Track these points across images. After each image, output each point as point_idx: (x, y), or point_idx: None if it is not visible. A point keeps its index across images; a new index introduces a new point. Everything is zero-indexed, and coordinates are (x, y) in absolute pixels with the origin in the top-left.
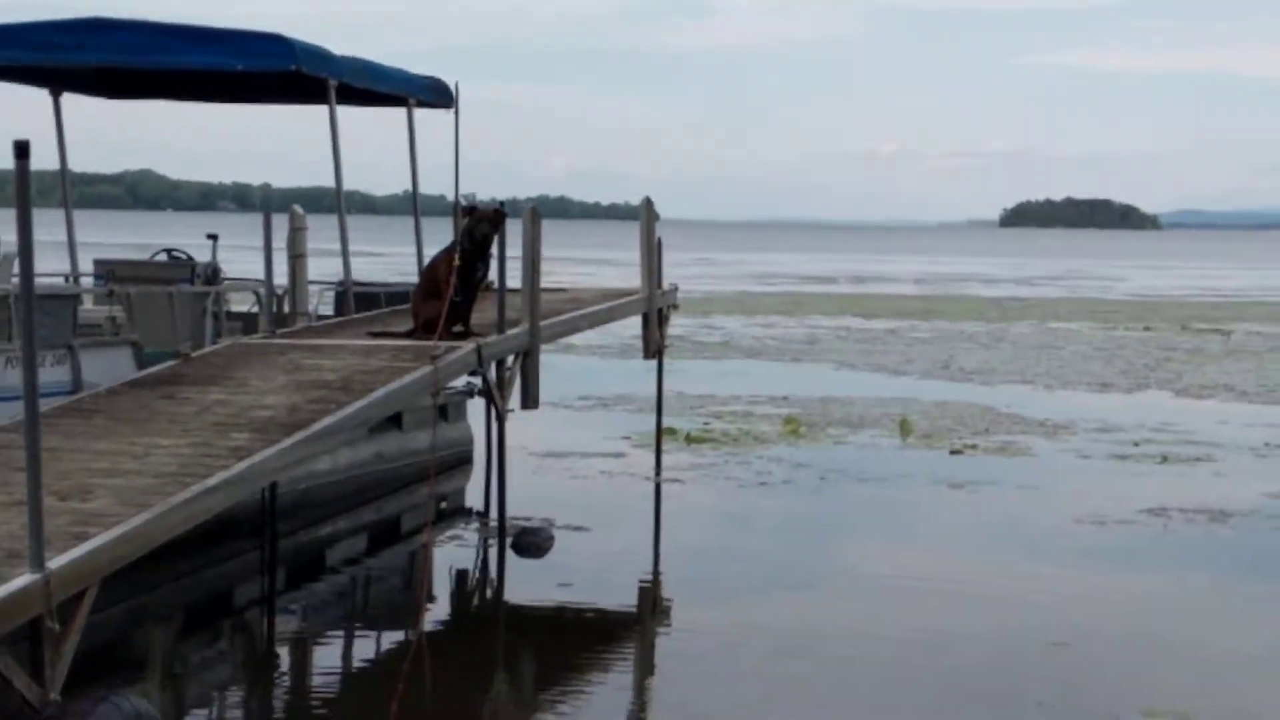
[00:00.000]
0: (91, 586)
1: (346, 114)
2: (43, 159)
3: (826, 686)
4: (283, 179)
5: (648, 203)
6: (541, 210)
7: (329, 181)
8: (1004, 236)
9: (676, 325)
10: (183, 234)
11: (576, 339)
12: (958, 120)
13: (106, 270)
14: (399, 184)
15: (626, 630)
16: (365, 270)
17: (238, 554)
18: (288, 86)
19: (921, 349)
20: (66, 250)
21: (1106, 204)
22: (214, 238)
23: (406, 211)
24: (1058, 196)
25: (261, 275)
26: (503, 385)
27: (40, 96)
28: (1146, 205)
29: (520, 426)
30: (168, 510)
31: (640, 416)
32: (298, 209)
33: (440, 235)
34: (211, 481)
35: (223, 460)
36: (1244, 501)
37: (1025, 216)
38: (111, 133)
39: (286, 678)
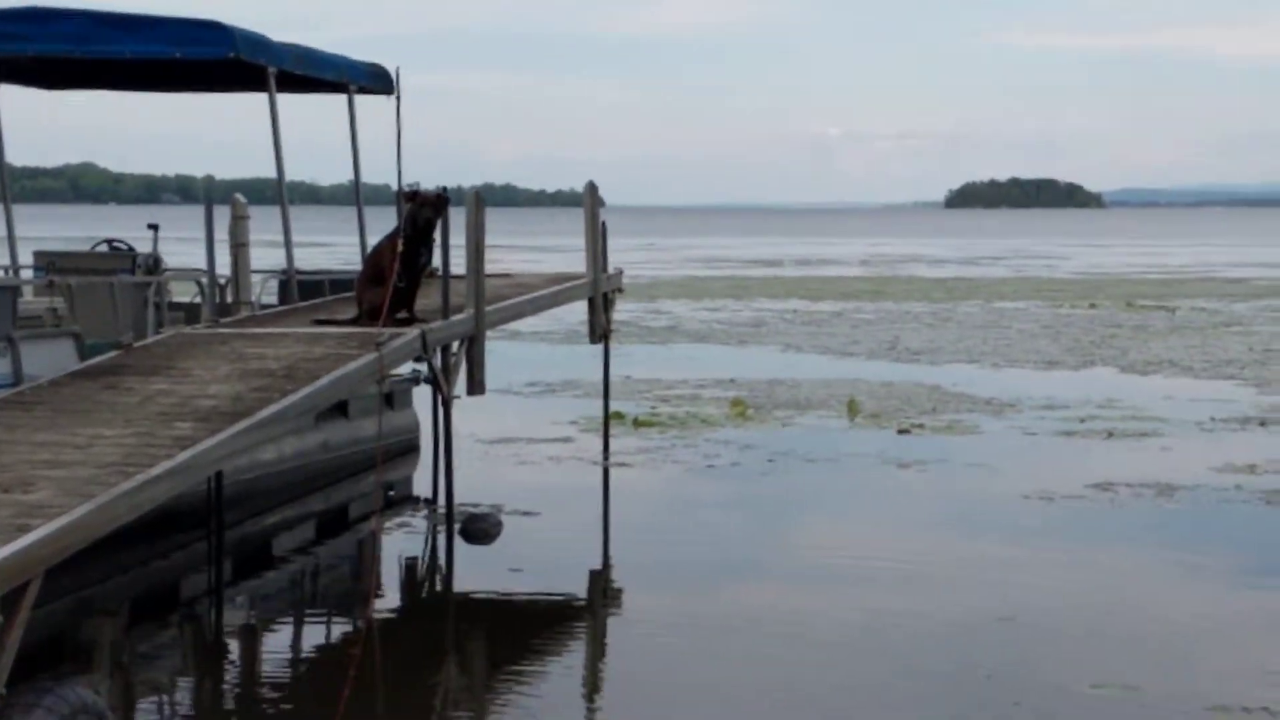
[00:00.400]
0: (35, 579)
1: (291, 103)
2: None
3: (777, 668)
4: (227, 170)
5: (591, 187)
6: (488, 198)
7: (274, 172)
8: (949, 217)
9: (623, 310)
10: (126, 226)
11: (524, 325)
12: (903, 101)
13: (47, 262)
14: (345, 173)
15: (577, 615)
16: (313, 259)
17: (185, 545)
18: (227, 74)
19: (867, 330)
20: (5, 243)
21: (1051, 183)
22: (155, 228)
23: (352, 201)
24: (1003, 177)
25: (204, 265)
26: (448, 371)
27: None
28: (1091, 184)
29: (468, 413)
30: (111, 501)
31: (587, 401)
32: (239, 198)
33: (385, 223)
34: (155, 471)
35: (166, 450)
36: (1190, 476)
37: (971, 197)
38: (52, 126)
39: (235, 668)
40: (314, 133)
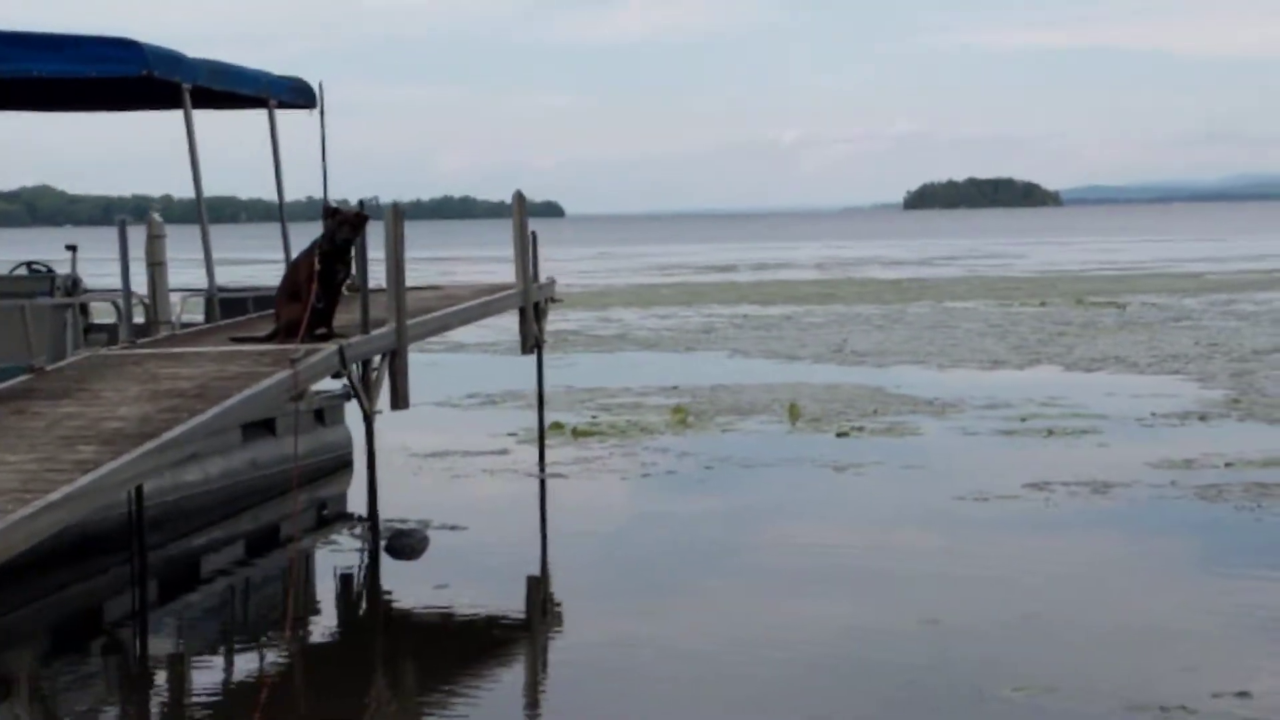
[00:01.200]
0: None
1: (245, 119)
2: None
3: (708, 679)
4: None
5: (519, 196)
6: (446, 210)
7: (232, 190)
8: (907, 218)
9: (572, 319)
10: (84, 248)
11: (468, 337)
12: (859, 105)
13: None
14: (300, 190)
15: (508, 630)
16: (263, 277)
17: (108, 569)
18: (140, 92)
19: (816, 333)
20: None
21: (1009, 183)
22: (73, 249)
23: (308, 217)
24: (960, 177)
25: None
26: (369, 386)
27: None
28: (1049, 182)
29: (403, 427)
30: (7, 527)
31: (528, 413)
32: (155, 216)
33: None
34: (54, 496)
35: (67, 474)
36: (1126, 472)
37: (929, 198)
38: (7, 149)
39: (161, 693)
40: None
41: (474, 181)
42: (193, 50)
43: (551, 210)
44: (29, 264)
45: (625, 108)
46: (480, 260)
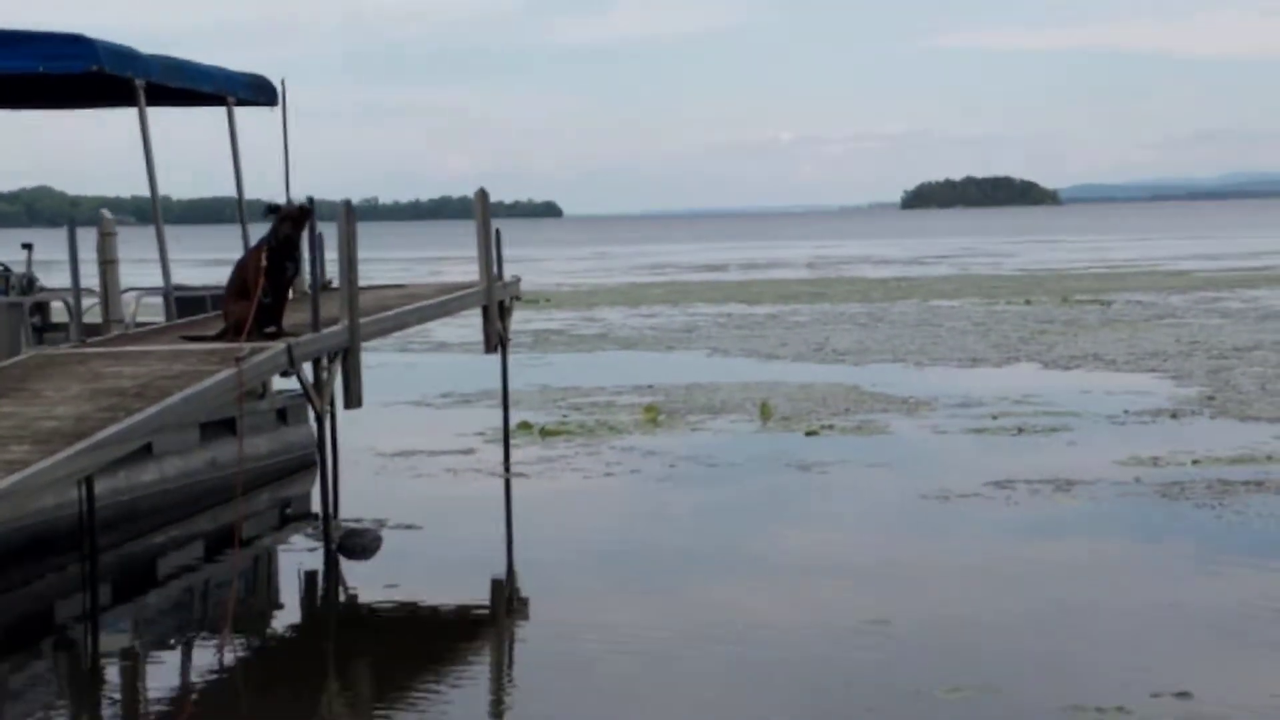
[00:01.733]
0: None
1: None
2: None
3: (664, 673)
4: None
5: (482, 194)
6: (446, 210)
7: (229, 191)
8: (905, 218)
9: (557, 319)
10: (81, 249)
11: (451, 336)
12: (856, 105)
13: None
14: (299, 191)
15: (465, 626)
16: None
17: (58, 569)
18: (93, 88)
19: (798, 332)
20: None
21: (1007, 181)
22: (29, 248)
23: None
24: (958, 176)
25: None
26: (320, 385)
27: None
28: (1047, 181)
29: (372, 426)
30: None
31: (499, 412)
32: (106, 214)
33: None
34: None
35: None
36: (1091, 470)
37: (926, 198)
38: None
39: (113, 693)
40: (270, 148)
41: (474, 182)
42: (182, 48)
43: (550, 210)
44: None
45: (624, 108)
46: (471, 260)
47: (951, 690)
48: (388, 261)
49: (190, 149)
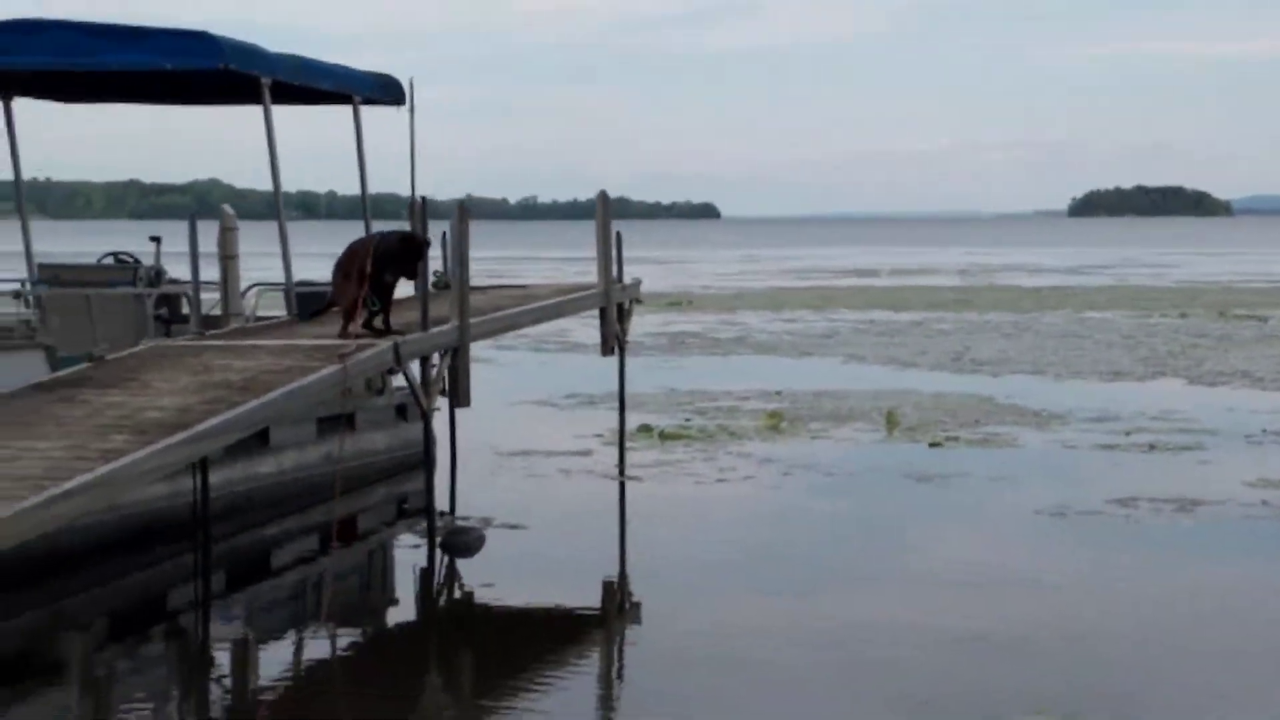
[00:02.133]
0: None
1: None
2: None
3: (762, 676)
4: (348, 185)
5: (603, 196)
6: None
7: (396, 188)
8: (1070, 226)
9: (697, 321)
10: (247, 242)
11: (583, 337)
12: (1018, 111)
13: (50, 275)
14: (460, 188)
15: (571, 629)
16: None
17: (172, 557)
18: (219, 86)
19: (940, 341)
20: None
21: (1178, 191)
22: (157, 240)
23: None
24: (1128, 185)
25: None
26: (427, 384)
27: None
28: (1220, 191)
29: (492, 424)
30: (14, 515)
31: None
32: (227, 209)
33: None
34: (69, 485)
35: (91, 463)
36: (1219, 491)
37: (1095, 205)
38: (179, 143)
39: (222, 683)
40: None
41: (630, 183)
42: (341, 51)
43: (708, 212)
44: (115, 254)
45: (782, 113)
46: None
47: (1031, 714)
48: (539, 260)
49: (350, 146)
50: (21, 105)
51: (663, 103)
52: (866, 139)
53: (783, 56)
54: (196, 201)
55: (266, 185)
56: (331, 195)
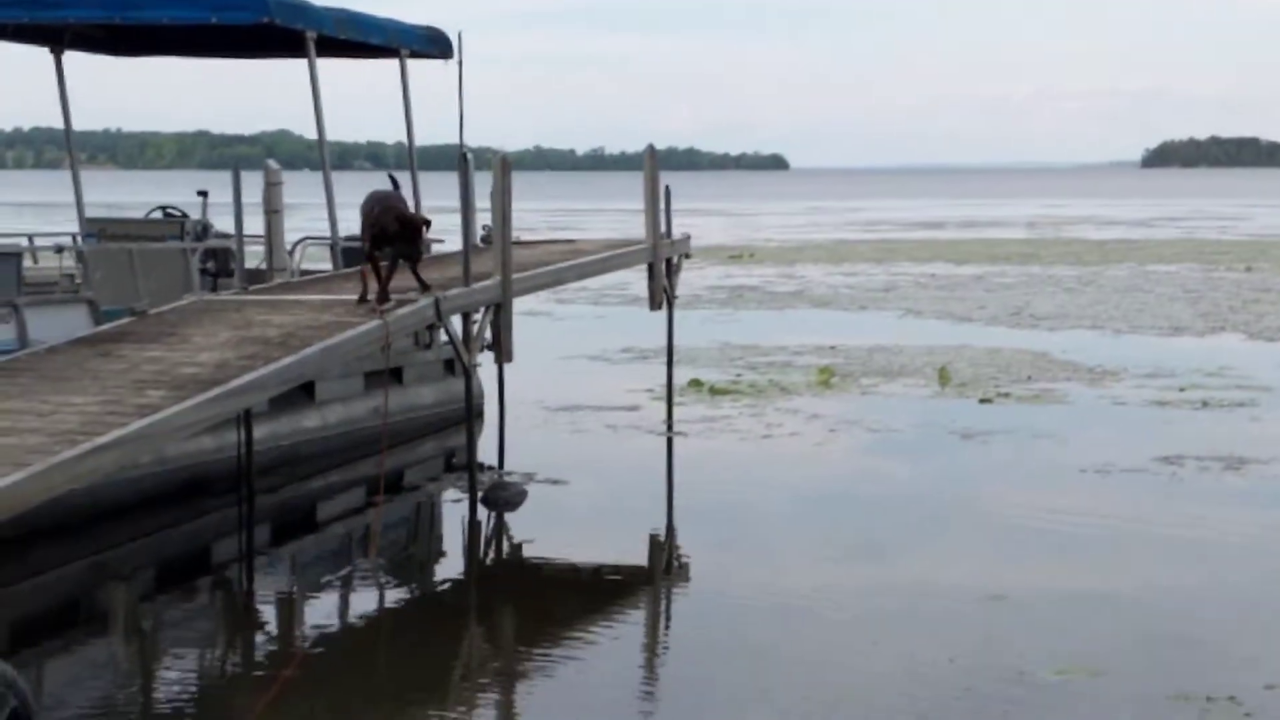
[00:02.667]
0: None
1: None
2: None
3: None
4: (417, 135)
5: (650, 151)
6: (671, 162)
7: (467, 139)
8: (1143, 177)
9: (755, 275)
10: (310, 193)
11: (643, 290)
12: (1096, 60)
13: (99, 228)
14: (529, 139)
15: (615, 584)
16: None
17: (217, 510)
18: (264, 39)
19: (999, 295)
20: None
21: (1254, 142)
22: (204, 195)
23: (537, 166)
24: (1202, 135)
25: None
26: (469, 339)
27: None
28: None
29: (543, 379)
30: (47, 469)
31: (675, 369)
32: (272, 163)
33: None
34: (103, 440)
35: (125, 418)
36: (1269, 448)
37: (1169, 156)
38: (248, 95)
39: (264, 634)
40: (502, 99)
41: (699, 133)
42: (402, 2)
43: (777, 163)
44: (164, 208)
45: (853, 61)
46: (686, 212)
47: (1059, 671)
48: (603, 212)
49: (418, 97)
50: (79, 58)
51: (733, 52)
52: (942, 88)
53: (855, 5)
54: (266, 152)
55: (336, 137)
56: (399, 146)
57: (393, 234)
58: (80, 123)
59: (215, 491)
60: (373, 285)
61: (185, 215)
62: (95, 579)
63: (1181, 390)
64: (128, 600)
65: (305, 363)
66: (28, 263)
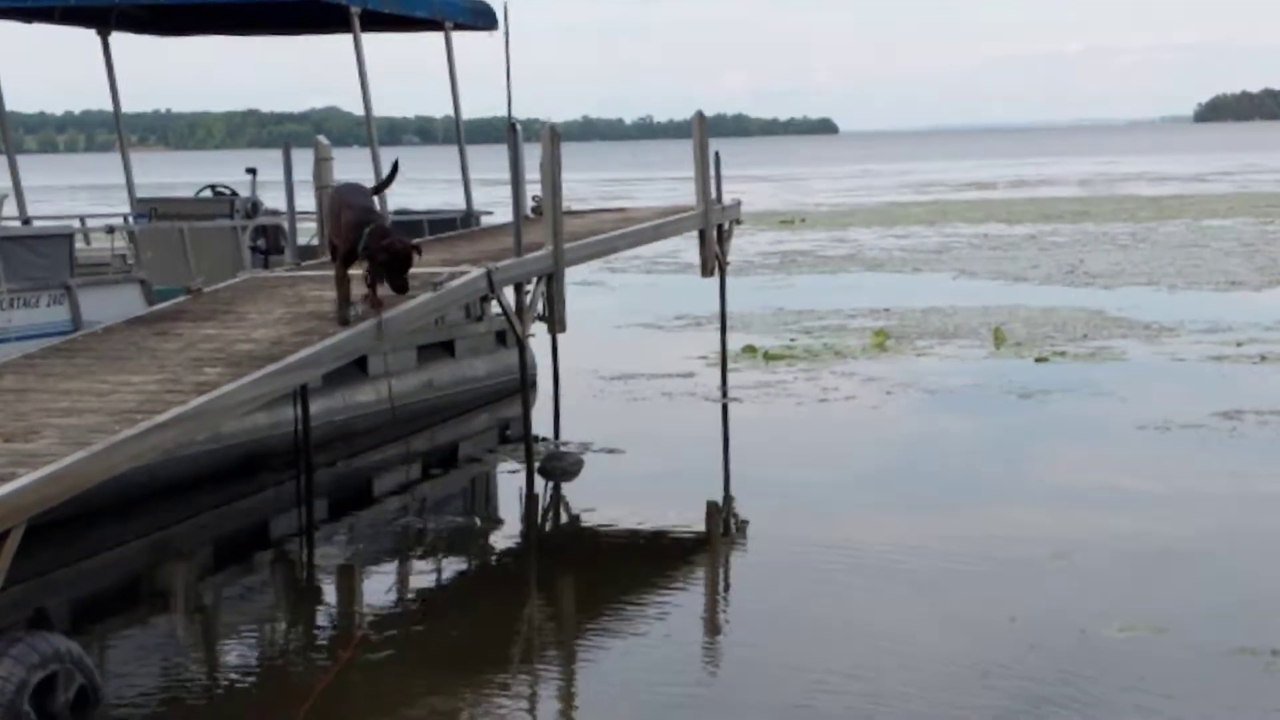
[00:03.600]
0: (17, 527)
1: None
2: (109, 100)
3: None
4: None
5: (699, 117)
6: (719, 129)
7: (517, 111)
8: (1196, 132)
9: (808, 239)
10: (360, 169)
11: (695, 258)
12: (1149, 14)
13: (149, 208)
14: (577, 110)
15: (674, 551)
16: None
17: (272, 486)
18: (308, 15)
19: (1053, 254)
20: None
21: None
22: (253, 172)
23: (585, 136)
24: (1256, 88)
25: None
26: (521, 310)
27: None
28: None
29: (598, 347)
30: (108, 448)
31: (730, 335)
32: (322, 139)
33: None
34: (162, 418)
35: (185, 396)
36: None
37: (1222, 110)
38: (296, 73)
39: (325, 609)
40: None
41: (748, 99)
42: None
43: (826, 127)
44: (214, 186)
45: (902, 21)
46: (736, 179)
47: (1123, 629)
48: (653, 181)
49: (462, 70)
50: (127, 40)
51: (781, 16)
52: (993, 46)
53: None
54: (315, 130)
55: (384, 112)
56: (448, 120)
57: (382, 263)
58: (130, 105)
59: (271, 467)
60: (359, 290)
61: (235, 193)
62: (155, 557)
63: (1239, 345)
64: (188, 578)
65: (360, 337)
66: (81, 244)
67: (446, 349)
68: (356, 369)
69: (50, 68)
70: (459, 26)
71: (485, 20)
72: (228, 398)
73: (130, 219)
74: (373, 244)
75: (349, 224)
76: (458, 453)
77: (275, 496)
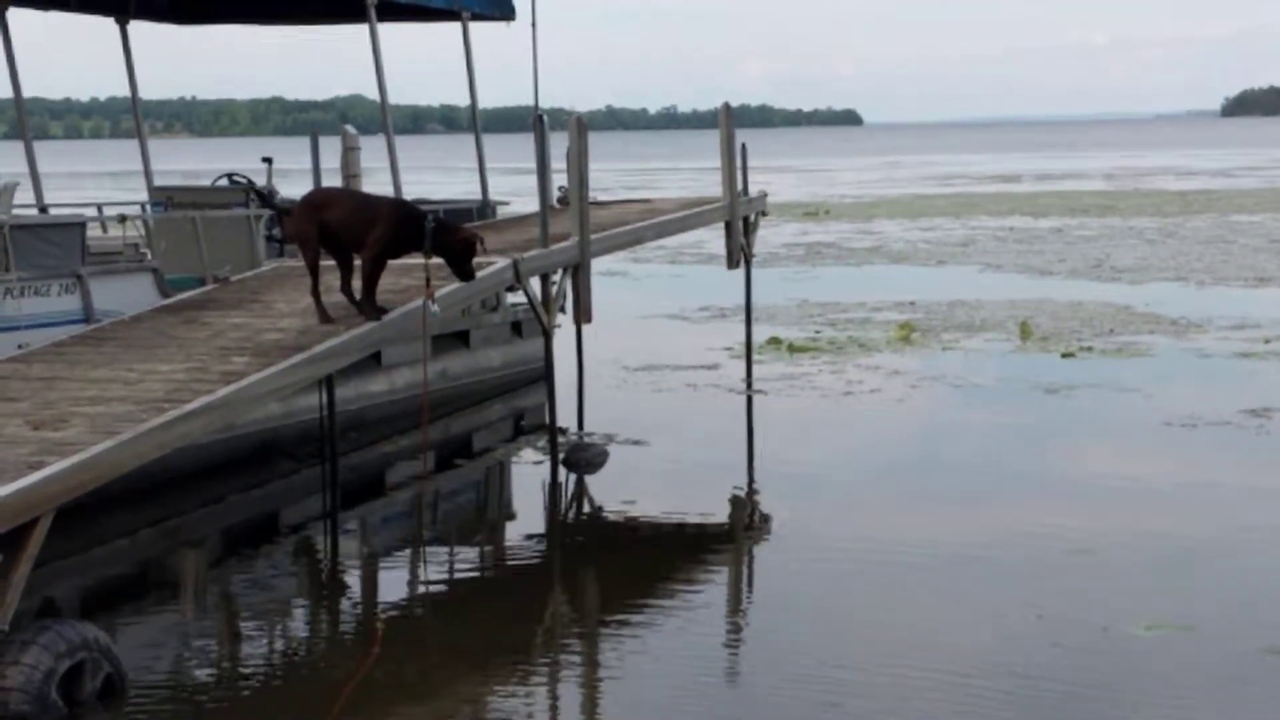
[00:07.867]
0: (44, 515)
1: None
2: (138, 88)
3: (867, 596)
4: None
5: (725, 109)
6: (743, 119)
7: (544, 102)
8: (1223, 126)
9: (833, 231)
10: (385, 157)
11: (720, 249)
12: (1176, 6)
13: (165, 197)
14: (600, 100)
15: (698, 543)
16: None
17: (287, 474)
18: (326, 4)
19: (1080, 248)
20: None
21: None
22: (269, 161)
23: (609, 126)
24: None
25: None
26: (548, 301)
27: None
28: None
29: (621, 338)
30: (135, 437)
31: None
32: (349, 129)
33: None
34: (190, 407)
35: (211, 385)
36: None
37: (1249, 105)
38: (321, 60)
39: (349, 600)
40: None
41: (772, 90)
42: None
43: (850, 119)
44: (230, 175)
45: (927, 12)
46: (762, 170)
47: (1149, 627)
48: (677, 171)
49: (488, 59)
50: (150, 27)
51: (804, 6)
52: (1019, 37)
53: None
54: (339, 118)
55: (409, 100)
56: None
57: (459, 253)
58: (155, 91)
59: (295, 456)
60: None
61: (251, 182)
62: (171, 545)
63: (1267, 342)
64: (204, 566)
65: (387, 327)
66: (96, 232)
67: (461, 339)
68: (370, 359)
69: (75, 54)
70: (476, 17)
71: (503, 10)
72: (255, 387)
73: (146, 207)
74: (448, 238)
75: (390, 219)
76: (471, 444)
77: (287, 487)
